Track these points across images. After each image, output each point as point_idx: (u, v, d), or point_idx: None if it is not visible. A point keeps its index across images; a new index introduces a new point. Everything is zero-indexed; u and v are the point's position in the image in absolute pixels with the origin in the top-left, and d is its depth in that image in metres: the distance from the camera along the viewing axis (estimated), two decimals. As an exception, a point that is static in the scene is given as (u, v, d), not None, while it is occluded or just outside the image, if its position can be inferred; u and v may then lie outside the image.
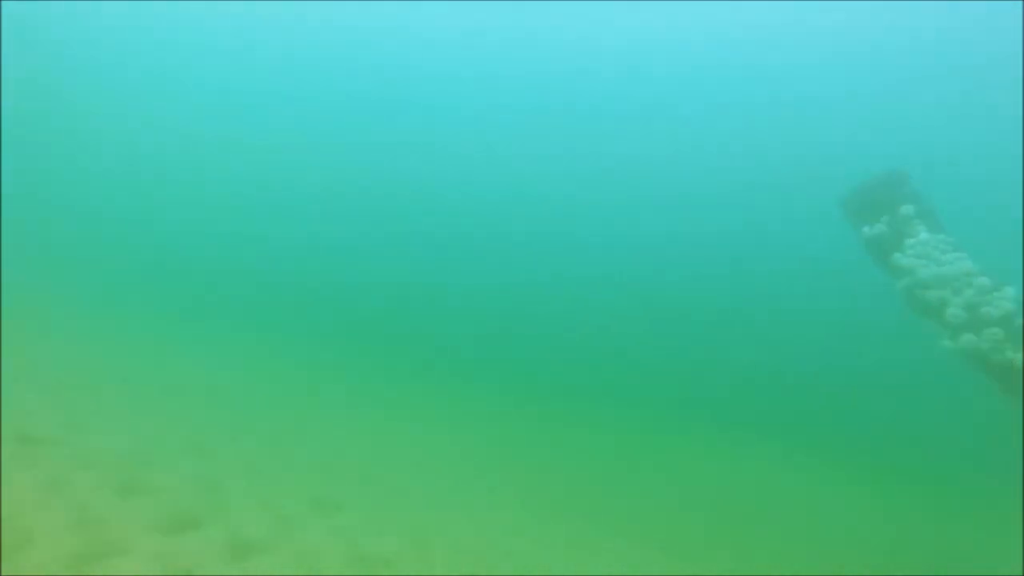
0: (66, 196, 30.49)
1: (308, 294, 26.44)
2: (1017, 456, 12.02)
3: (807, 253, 32.68)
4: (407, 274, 32.63)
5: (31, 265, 17.72)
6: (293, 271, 29.63)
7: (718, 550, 8.60)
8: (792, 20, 32.25)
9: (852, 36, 32.69)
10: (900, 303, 11.92)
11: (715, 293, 31.61)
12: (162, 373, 10.67)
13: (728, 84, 36.96)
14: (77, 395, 7.73)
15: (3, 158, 28.08)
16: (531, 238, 37.17)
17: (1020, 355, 10.26)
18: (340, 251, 34.10)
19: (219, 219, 34.72)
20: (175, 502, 5.11)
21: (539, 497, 9.37)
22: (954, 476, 14.04)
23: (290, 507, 5.88)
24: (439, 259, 35.03)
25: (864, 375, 22.66)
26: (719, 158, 38.09)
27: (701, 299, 31.15)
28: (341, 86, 42.39)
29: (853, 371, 23.09)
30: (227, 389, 11.04)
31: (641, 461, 12.80)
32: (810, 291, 29.87)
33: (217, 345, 15.57)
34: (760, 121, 37.18)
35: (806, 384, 21.93)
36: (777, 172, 36.56)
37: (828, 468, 14.35)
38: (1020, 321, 10.58)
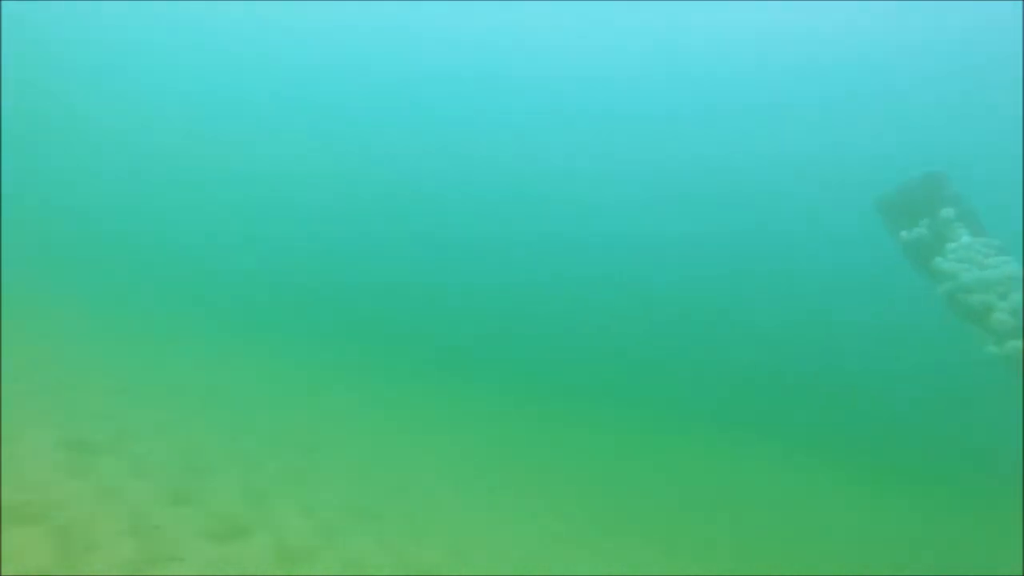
0: (66, 196, 30.46)
1: (308, 294, 26.44)
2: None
3: (810, 253, 32.69)
4: (407, 274, 32.67)
5: (31, 265, 17.71)
6: (293, 271, 29.63)
7: (718, 550, 8.60)
8: (792, 20, 32.25)
9: (852, 36, 32.68)
10: (940, 307, 11.68)
11: (715, 293, 31.66)
12: (190, 377, 10.69)
13: (728, 84, 36.95)
14: (122, 401, 7.89)
15: (3, 158, 28.06)
16: (531, 238, 37.23)
17: None
18: (340, 251, 34.14)
19: (219, 219, 34.75)
20: (224, 510, 5.37)
21: (539, 497, 9.37)
22: (976, 479, 13.95)
23: (332, 515, 6.17)
24: (439, 259, 35.08)
25: (890, 378, 22.50)
26: (719, 158, 38.12)
27: (701, 299, 31.20)
28: (342, 86, 42.39)
29: (878, 374, 22.97)
30: (249, 392, 11.04)
31: (641, 461, 12.80)
32: (822, 292, 29.82)
33: (216, 345, 15.56)
34: (760, 121, 37.20)
35: (805, 384, 21.95)
36: (777, 172, 36.62)
37: (828, 468, 14.36)
38: None
